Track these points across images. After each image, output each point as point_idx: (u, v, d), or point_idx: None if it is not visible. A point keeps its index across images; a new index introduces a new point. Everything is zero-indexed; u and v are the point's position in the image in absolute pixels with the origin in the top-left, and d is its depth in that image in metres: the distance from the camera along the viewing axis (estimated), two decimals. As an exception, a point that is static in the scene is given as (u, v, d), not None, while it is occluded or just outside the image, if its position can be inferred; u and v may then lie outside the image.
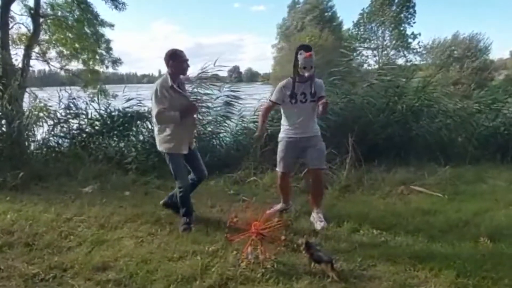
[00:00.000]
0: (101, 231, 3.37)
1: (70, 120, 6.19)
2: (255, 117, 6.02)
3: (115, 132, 6.12)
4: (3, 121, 5.69)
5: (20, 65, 8.66)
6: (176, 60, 3.39)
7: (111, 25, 11.49)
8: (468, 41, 28.86)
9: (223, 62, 6.28)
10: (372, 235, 3.29)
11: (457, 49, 28.70)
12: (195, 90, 6.06)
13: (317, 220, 3.51)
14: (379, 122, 5.82)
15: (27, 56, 9.34)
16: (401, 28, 32.65)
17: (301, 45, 3.60)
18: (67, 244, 3.12)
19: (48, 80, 12.96)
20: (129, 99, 6.37)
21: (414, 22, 32.88)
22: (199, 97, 6.03)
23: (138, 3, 75.93)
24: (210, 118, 6.26)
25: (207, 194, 4.43)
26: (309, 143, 3.61)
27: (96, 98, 6.73)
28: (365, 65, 26.41)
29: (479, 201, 4.16)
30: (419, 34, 32.27)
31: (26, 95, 6.98)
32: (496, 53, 61.01)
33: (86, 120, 6.23)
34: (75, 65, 12.06)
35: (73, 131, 6.15)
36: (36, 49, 10.68)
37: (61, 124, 6.14)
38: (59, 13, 11.10)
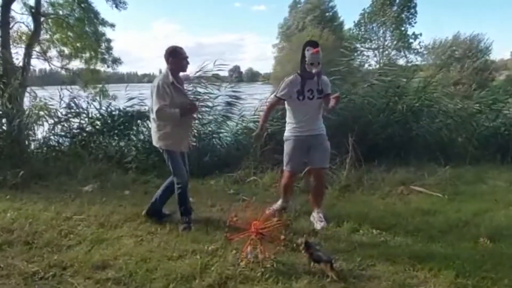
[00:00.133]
0: (101, 230, 3.38)
1: (71, 119, 6.21)
2: (255, 116, 6.03)
3: (116, 131, 6.13)
4: (4, 120, 5.71)
5: (20, 64, 8.64)
6: (176, 57, 3.39)
7: (112, 25, 11.53)
8: (469, 42, 28.85)
9: (224, 62, 6.30)
10: (371, 235, 3.29)
11: (458, 50, 28.66)
12: (196, 90, 6.07)
13: (317, 220, 3.51)
14: (379, 122, 5.82)
15: (27, 55, 9.31)
16: (402, 29, 32.59)
17: (308, 41, 3.54)
18: (66, 242, 3.12)
19: (49, 79, 13.02)
20: (130, 98, 6.38)
21: (415, 22, 32.85)
22: (199, 97, 6.03)
23: (139, 2, 75.90)
24: (210, 117, 6.27)
25: (207, 193, 4.45)
26: (315, 141, 3.57)
27: (97, 97, 6.74)
28: (366, 65, 26.48)
29: (479, 201, 4.16)
30: (420, 34, 32.26)
31: (26, 94, 6.98)
32: (497, 54, 60.95)
33: (86, 119, 6.25)
34: (76, 65, 12.10)
35: (74, 130, 6.16)
36: (37, 48, 10.66)
37: (62, 123, 6.16)
38: (60, 12, 11.10)
